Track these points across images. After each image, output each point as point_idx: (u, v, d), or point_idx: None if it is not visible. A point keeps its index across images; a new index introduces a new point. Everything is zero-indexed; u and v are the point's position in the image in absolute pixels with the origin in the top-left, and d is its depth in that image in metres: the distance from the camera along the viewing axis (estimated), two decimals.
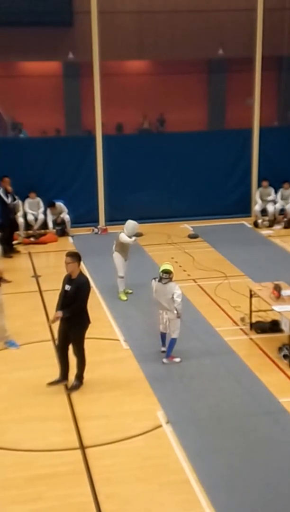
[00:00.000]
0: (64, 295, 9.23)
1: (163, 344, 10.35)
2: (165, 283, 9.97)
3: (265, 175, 18.80)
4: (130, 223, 12.67)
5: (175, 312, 9.93)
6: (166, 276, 9.96)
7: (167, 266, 10.10)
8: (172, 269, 10.05)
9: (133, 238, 12.69)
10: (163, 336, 10.36)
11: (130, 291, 12.93)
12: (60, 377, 9.52)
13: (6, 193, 16.33)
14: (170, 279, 9.99)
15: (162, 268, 10.10)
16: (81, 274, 9.24)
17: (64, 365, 9.50)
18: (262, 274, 13.17)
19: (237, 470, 7.56)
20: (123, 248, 12.63)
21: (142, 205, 18.26)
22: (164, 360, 10.15)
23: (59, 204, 17.84)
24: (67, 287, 9.16)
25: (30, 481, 7.44)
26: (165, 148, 18.80)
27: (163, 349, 10.34)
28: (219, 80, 26.82)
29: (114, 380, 9.70)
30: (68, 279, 9.21)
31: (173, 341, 10.13)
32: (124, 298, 12.74)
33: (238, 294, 12.59)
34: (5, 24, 22.46)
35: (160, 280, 10.03)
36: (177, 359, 10.17)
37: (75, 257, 9.20)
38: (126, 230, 12.60)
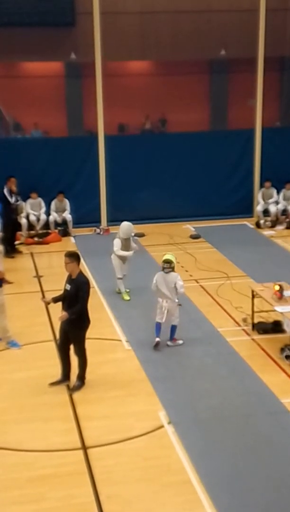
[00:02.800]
0: (65, 294, 9.25)
1: (157, 335, 10.66)
2: (167, 273, 10.43)
3: (267, 176, 18.80)
4: (124, 225, 12.64)
5: (177, 301, 10.43)
6: (167, 265, 10.44)
7: (167, 256, 10.59)
8: (173, 259, 10.50)
9: (132, 251, 12.68)
10: (157, 326, 10.68)
11: (127, 290, 12.92)
12: (61, 377, 9.52)
13: (11, 193, 16.34)
14: (172, 269, 10.45)
15: (163, 258, 10.55)
16: (81, 274, 9.24)
17: (66, 365, 9.50)
18: (264, 274, 13.15)
19: (239, 471, 7.54)
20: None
21: (144, 206, 18.29)
22: (169, 343, 10.65)
23: (66, 200, 17.89)
24: (68, 287, 9.20)
25: (32, 482, 7.44)
26: (167, 148, 18.80)
27: (157, 339, 10.63)
28: (221, 80, 26.80)
29: (116, 381, 9.69)
30: (69, 279, 9.24)
31: (174, 327, 10.66)
32: (127, 298, 12.73)
33: (240, 294, 12.58)
34: (8, 25, 22.47)
35: (162, 270, 10.47)
36: (180, 341, 10.65)
37: (73, 257, 9.22)
38: (121, 233, 12.59)
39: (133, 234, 13.24)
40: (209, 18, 24.19)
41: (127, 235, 12.60)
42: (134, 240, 13.18)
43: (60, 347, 9.54)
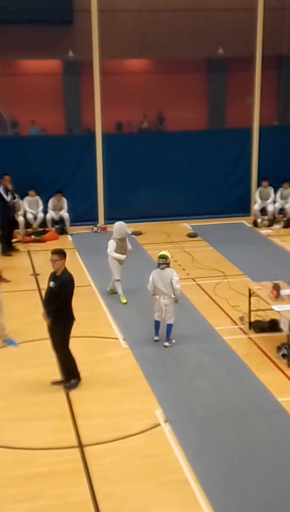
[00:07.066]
0: (48, 291, 9.23)
1: (157, 333, 10.73)
2: (163, 269, 10.49)
3: (264, 175, 18.81)
4: (117, 225, 12.45)
5: (173, 296, 10.45)
6: (163, 261, 10.51)
7: (163, 252, 10.70)
8: (168, 255, 10.60)
9: (124, 256, 12.44)
10: (157, 324, 10.73)
11: (115, 291, 12.85)
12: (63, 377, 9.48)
13: (6, 191, 16.32)
14: (167, 265, 10.51)
15: (159, 254, 10.63)
16: (65, 271, 9.18)
17: None
18: (261, 273, 13.16)
19: (236, 470, 7.56)
20: (117, 252, 12.52)
21: (142, 204, 18.31)
22: (166, 344, 10.60)
23: (63, 198, 17.88)
24: (52, 284, 9.15)
25: (28, 480, 7.44)
26: (164, 147, 18.81)
27: (157, 338, 10.70)
28: (219, 79, 26.82)
29: (112, 379, 9.70)
30: (53, 276, 9.20)
31: (169, 326, 10.60)
32: (124, 300, 12.56)
33: (237, 293, 12.59)
34: (6, 22, 22.46)
35: (158, 266, 10.53)
36: (173, 340, 10.64)
37: (62, 254, 9.20)
38: (115, 233, 12.42)
39: (130, 233, 13.15)
40: (207, 17, 24.22)
41: (121, 235, 12.40)
42: (129, 240, 12.99)
43: (52, 346, 9.51)
